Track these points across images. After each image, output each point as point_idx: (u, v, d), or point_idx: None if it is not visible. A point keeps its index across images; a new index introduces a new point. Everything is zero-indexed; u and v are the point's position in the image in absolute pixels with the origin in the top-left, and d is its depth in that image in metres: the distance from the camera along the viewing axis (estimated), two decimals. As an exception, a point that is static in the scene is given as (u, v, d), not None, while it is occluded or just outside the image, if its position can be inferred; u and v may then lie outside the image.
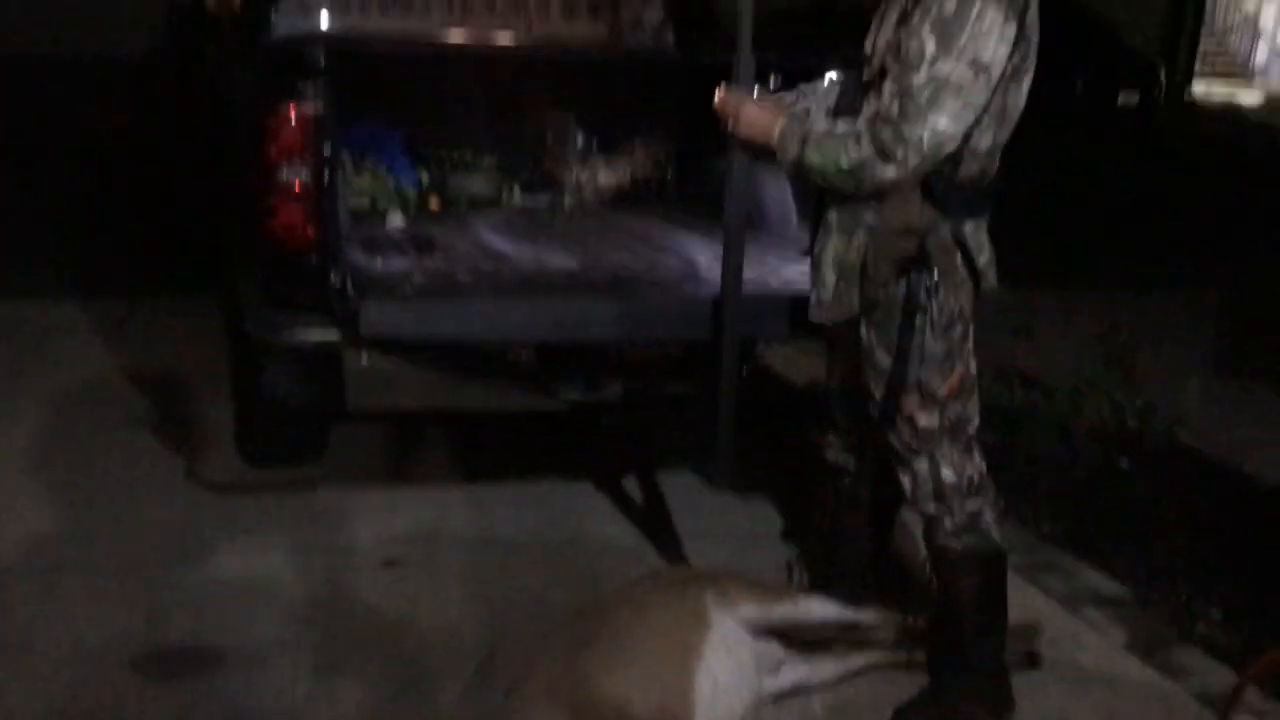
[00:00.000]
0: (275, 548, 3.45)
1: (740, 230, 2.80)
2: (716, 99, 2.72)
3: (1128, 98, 16.00)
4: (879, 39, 2.56)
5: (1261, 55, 25.20)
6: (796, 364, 4.37)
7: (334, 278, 3.09)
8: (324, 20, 4.85)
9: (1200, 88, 22.57)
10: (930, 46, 2.37)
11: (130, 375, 4.78)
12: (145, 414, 4.39)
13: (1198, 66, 23.30)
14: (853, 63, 2.67)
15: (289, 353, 3.17)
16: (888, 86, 2.45)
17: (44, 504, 3.66)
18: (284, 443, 3.75)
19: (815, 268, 2.72)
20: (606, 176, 4.99)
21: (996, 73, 2.40)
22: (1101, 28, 17.22)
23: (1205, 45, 24.06)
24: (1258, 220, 8.76)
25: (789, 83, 3.03)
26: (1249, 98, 21.62)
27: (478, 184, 4.85)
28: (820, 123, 2.62)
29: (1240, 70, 24.84)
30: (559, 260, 3.73)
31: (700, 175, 4.77)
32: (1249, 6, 25.33)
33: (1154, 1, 21.91)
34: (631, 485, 3.89)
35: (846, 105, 2.64)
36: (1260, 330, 5.49)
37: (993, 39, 2.36)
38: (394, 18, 4.94)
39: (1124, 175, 12.09)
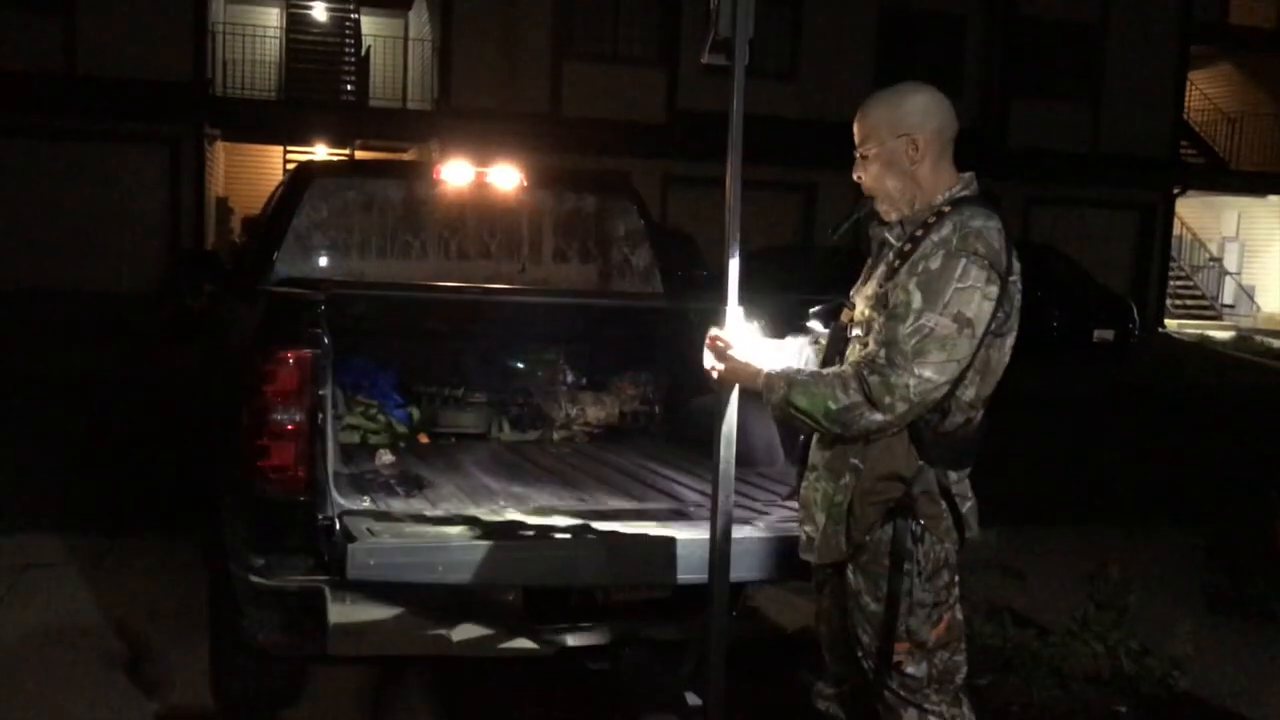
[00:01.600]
0: (246, 800, 3.30)
1: (729, 477, 2.81)
2: (705, 343, 2.77)
3: (1103, 334, 16.42)
4: (864, 290, 2.65)
5: (1229, 294, 26.10)
6: (788, 606, 4.31)
7: (322, 519, 3.08)
8: (324, 261, 5.01)
9: (1173, 324, 23.26)
10: (916, 300, 2.45)
11: (106, 612, 4.68)
12: (119, 653, 4.27)
13: (1169, 305, 24.12)
14: (833, 313, 2.75)
15: (272, 594, 3.12)
16: (874, 336, 2.52)
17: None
18: (261, 686, 3.63)
19: (804, 507, 2.73)
20: (595, 412, 5.06)
21: (981, 328, 2.47)
22: (1074, 268, 17.89)
23: (1175, 285, 24.98)
24: (1241, 451, 8.85)
25: (772, 328, 3.11)
26: (1219, 333, 22.23)
27: (468, 420, 4.92)
28: (804, 369, 2.67)
29: (1210, 307, 25.70)
30: (547, 499, 3.73)
31: (687, 410, 4.84)
32: (1213, 247, 26.42)
33: (1123, 244, 22.90)
34: (618, 733, 3.76)
35: (829, 355, 2.70)
36: (1254, 568, 5.44)
37: (976, 295, 2.45)
38: (392, 260, 5.11)
39: (1103, 408, 12.28)
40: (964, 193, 2.59)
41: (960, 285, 2.44)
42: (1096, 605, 4.60)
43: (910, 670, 2.58)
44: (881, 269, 2.60)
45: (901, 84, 2.66)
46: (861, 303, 2.64)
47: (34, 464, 7.16)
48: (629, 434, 5.02)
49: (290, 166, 20.21)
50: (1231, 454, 9.05)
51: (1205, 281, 26.47)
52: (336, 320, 3.29)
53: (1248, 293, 25.64)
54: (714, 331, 2.76)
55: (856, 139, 2.66)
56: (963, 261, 2.45)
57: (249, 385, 3.19)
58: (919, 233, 2.53)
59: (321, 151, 20.95)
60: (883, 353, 2.46)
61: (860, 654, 2.65)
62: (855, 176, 2.68)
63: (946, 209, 2.54)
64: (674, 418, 5.05)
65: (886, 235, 2.65)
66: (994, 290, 2.47)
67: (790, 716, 3.43)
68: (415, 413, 4.84)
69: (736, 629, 3.14)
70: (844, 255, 11.82)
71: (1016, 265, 2.53)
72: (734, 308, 2.79)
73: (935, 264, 2.46)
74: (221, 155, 21.33)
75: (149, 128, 17.92)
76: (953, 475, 2.60)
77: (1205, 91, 25.57)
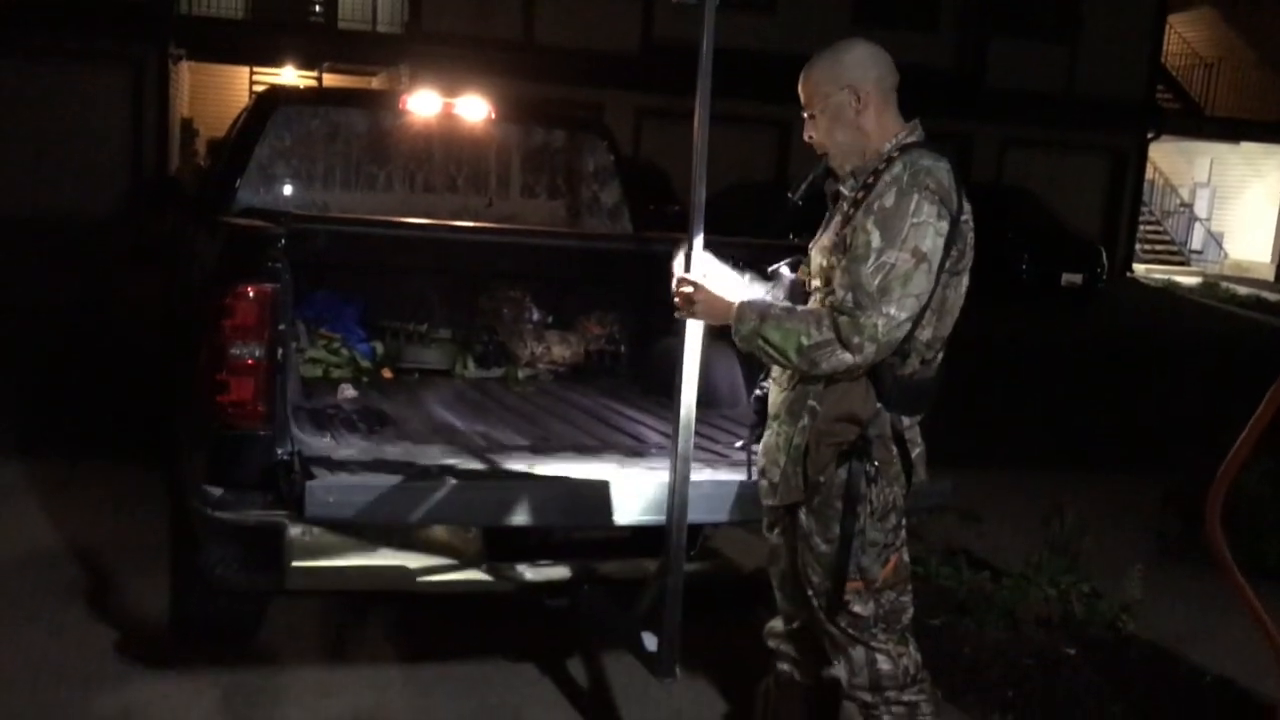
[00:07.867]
0: (205, 732, 3.31)
1: (690, 420, 2.82)
2: (674, 284, 2.76)
3: (1071, 279, 16.51)
4: (820, 242, 2.67)
5: (1197, 240, 26.26)
6: (747, 546, 4.36)
7: (281, 454, 3.07)
8: (287, 190, 4.94)
9: (1141, 269, 23.42)
10: (875, 239, 2.48)
11: (68, 541, 4.66)
12: (80, 582, 4.26)
13: (1138, 249, 24.23)
14: (793, 268, 2.76)
15: (230, 529, 3.11)
16: (838, 281, 2.54)
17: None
18: (219, 620, 3.64)
19: (766, 454, 2.76)
20: (560, 351, 5.04)
21: (935, 263, 2.50)
22: (1045, 211, 17.93)
23: (1145, 230, 25.08)
24: (1202, 399, 8.96)
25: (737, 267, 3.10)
26: (1186, 279, 22.40)
27: (432, 356, 4.89)
28: (777, 303, 2.67)
29: (1178, 253, 25.86)
30: (509, 438, 3.73)
31: (653, 350, 4.83)
32: (1185, 193, 26.51)
33: (1096, 188, 22.92)
34: (576, 668, 3.80)
35: (795, 298, 2.71)
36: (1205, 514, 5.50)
37: (930, 231, 2.49)
38: (356, 192, 5.05)
39: (1068, 353, 12.38)
40: (910, 138, 2.64)
41: (915, 220, 2.48)
42: (1050, 548, 4.69)
43: (858, 609, 2.65)
44: (837, 219, 2.63)
45: (839, 41, 2.71)
46: (818, 255, 2.67)
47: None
48: (594, 373, 5.02)
49: (257, 88, 19.88)
50: (1193, 401, 9.17)
51: (1175, 227, 26.59)
52: (298, 253, 3.25)
53: (1216, 239, 25.80)
54: (681, 273, 2.74)
55: (803, 100, 2.71)
56: (915, 197, 2.49)
57: (208, 319, 3.16)
58: (870, 179, 2.58)
59: (289, 73, 20.57)
60: (849, 296, 2.49)
61: (810, 593, 2.71)
62: (806, 137, 2.73)
63: (895, 154, 2.58)
64: (640, 357, 5.05)
65: (840, 188, 2.69)
66: (945, 226, 2.51)
67: (744, 656, 3.48)
68: (379, 347, 4.80)
69: (694, 569, 3.16)
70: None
71: (967, 206, 2.57)
72: (699, 250, 2.78)
73: (889, 201, 2.50)
74: (187, 75, 20.90)
75: (112, 46, 17.48)
76: (906, 420, 2.66)
77: (1184, 36, 25.47)
